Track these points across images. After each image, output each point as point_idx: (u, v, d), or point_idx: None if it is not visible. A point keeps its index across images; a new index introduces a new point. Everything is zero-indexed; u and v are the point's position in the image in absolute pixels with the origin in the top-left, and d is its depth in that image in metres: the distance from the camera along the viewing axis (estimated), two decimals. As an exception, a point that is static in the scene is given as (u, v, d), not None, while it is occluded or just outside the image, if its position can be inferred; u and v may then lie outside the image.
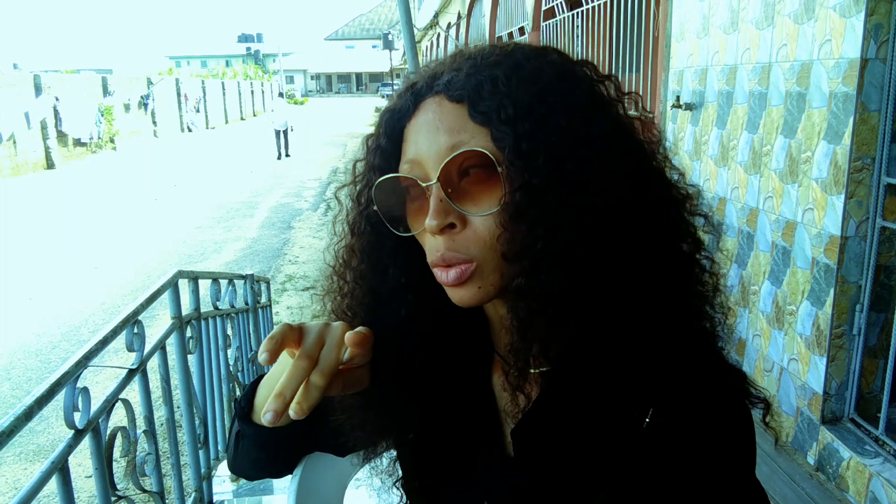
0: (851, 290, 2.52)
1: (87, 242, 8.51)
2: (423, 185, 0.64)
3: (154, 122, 22.83)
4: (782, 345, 2.86)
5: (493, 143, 0.60)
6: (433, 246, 0.65)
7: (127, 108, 20.65)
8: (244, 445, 0.86)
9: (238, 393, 2.96)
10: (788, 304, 2.81)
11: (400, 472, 0.87)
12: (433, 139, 0.63)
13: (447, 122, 0.63)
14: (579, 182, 0.59)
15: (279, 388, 0.59)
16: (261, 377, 0.84)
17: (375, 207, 0.69)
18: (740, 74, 3.15)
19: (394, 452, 0.88)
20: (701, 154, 3.59)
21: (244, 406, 0.82)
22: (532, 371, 0.67)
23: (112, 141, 18.86)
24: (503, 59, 0.63)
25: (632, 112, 0.70)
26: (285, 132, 16.38)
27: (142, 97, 21.88)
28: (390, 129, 0.68)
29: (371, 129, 0.73)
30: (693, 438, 0.65)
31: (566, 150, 0.59)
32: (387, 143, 0.69)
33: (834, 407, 2.62)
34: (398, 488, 0.89)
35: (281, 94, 19.97)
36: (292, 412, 0.58)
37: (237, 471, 0.93)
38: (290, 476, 1.01)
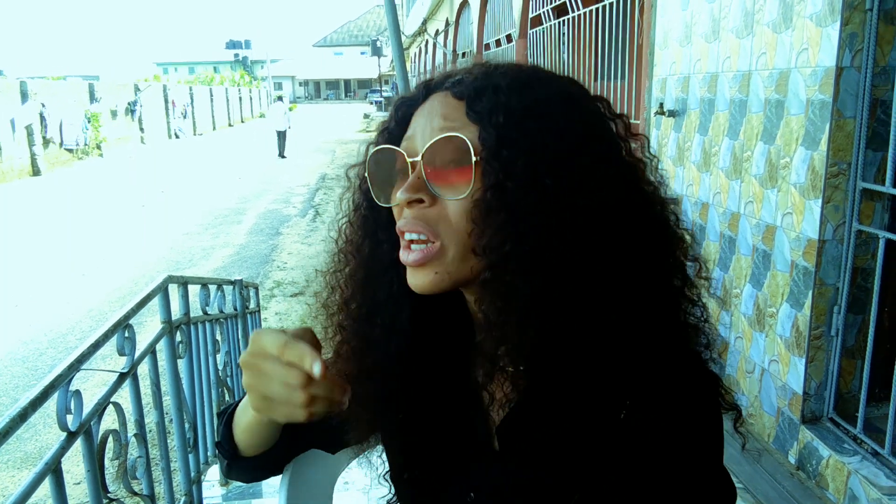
0: (829, 293, 2.58)
1: (74, 249, 8.48)
2: (409, 159, 0.68)
3: (141, 129, 22.75)
4: (763, 346, 2.91)
5: (479, 140, 0.65)
6: (401, 216, 0.69)
7: (114, 114, 20.57)
8: (237, 473, 0.93)
9: (227, 398, 2.98)
10: (769, 307, 2.87)
11: (387, 466, 0.91)
12: (428, 122, 0.68)
13: (445, 110, 0.68)
14: (555, 197, 0.63)
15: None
16: (232, 412, 0.88)
17: (367, 174, 0.74)
18: (721, 82, 3.22)
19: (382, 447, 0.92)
20: (684, 160, 3.65)
21: (228, 449, 0.88)
22: (510, 369, 0.71)
23: (99, 147, 18.77)
24: (515, 75, 0.68)
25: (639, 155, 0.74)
26: (284, 133, 17.70)
27: (129, 104, 21.80)
28: (400, 114, 0.74)
29: (362, 136, 0.78)
30: (665, 431, 0.69)
31: (547, 166, 0.63)
32: (394, 127, 0.75)
33: (813, 407, 2.67)
34: (387, 480, 0.92)
35: (280, 99, 20.70)
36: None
37: (232, 478, 0.98)
38: (280, 476, 1.04)
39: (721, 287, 3.28)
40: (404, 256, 0.69)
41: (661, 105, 3.85)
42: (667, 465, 0.69)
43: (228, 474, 0.95)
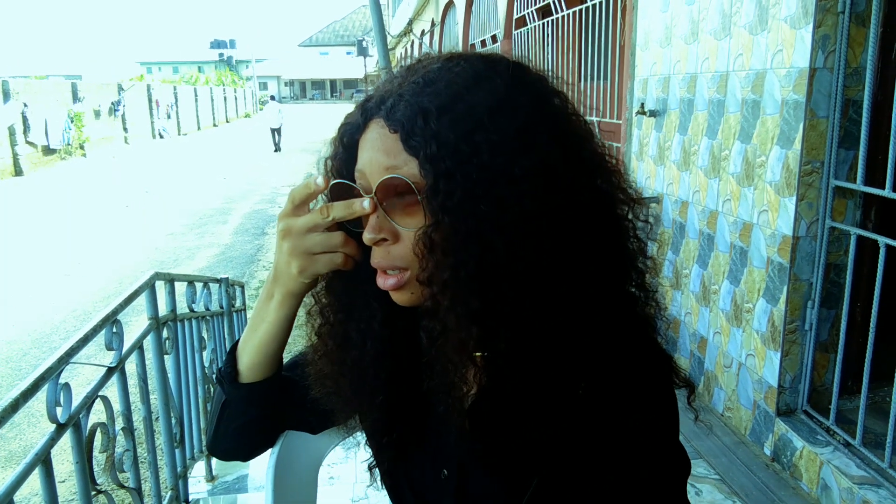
0: (803, 288, 2.65)
1: (57, 249, 8.43)
2: (365, 196, 0.71)
3: (125, 129, 22.60)
4: (740, 341, 2.98)
5: (420, 174, 0.66)
6: (373, 253, 0.72)
7: (97, 114, 20.42)
8: (231, 413, 0.91)
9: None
10: (746, 302, 2.93)
11: (368, 447, 0.95)
12: (374, 157, 0.70)
13: (385, 145, 0.68)
14: (490, 220, 0.64)
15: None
16: (236, 344, 0.90)
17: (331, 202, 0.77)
18: (700, 83, 3.28)
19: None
20: (665, 159, 3.72)
21: (231, 371, 0.89)
22: (478, 355, 0.75)
23: (82, 147, 18.63)
24: (443, 89, 0.67)
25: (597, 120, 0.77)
26: (279, 130, 19.53)
27: (112, 103, 21.65)
28: (346, 139, 0.76)
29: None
30: (620, 408, 0.73)
31: (483, 188, 0.64)
32: (343, 152, 0.77)
33: (788, 399, 2.74)
34: (367, 448, 0.96)
35: (273, 98, 22.28)
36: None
37: (219, 448, 0.97)
38: (266, 468, 1.07)
39: (700, 284, 3.35)
40: (381, 282, 0.73)
41: (643, 105, 3.91)
42: (623, 440, 0.73)
43: (216, 439, 0.95)
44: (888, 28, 2.44)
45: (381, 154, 0.69)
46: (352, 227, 0.76)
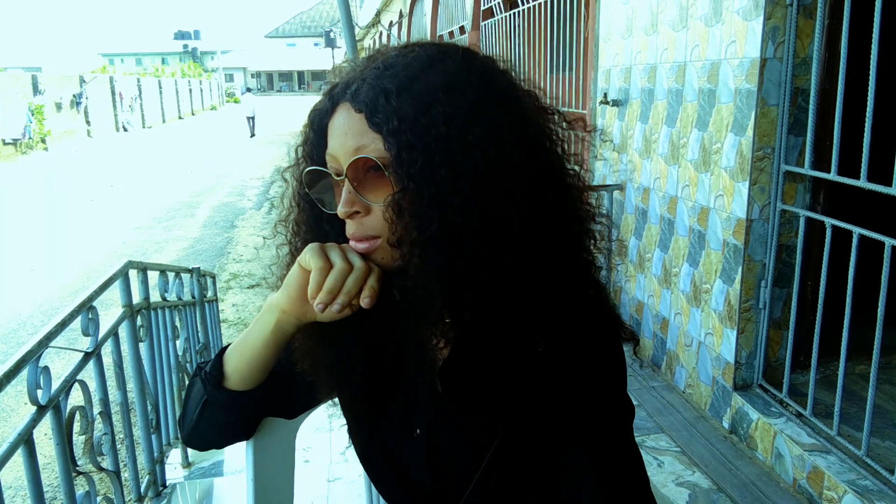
0: (757, 268, 2.78)
1: (21, 244, 8.30)
2: (337, 178, 0.78)
3: (88, 122, 22.18)
4: (700, 321, 3.11)
5: (385, 149, 0.73)
6: (347, 225, 0.79)
7: (59, 107, 20.00)
8: (211, 413, 0.95)
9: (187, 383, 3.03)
10: (704, 283, 3.06)
11: (342, 412, 1.01)
12: (343, 140, 0.76)
13: (353, 127, 0.76)
14: (449, 184, 0.72)
15: (347, 288, 0.78)
16: (225, 348, 0.95)
17: (307, 190, 0.83)
18: (660, 73, 3.39)
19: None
20: (627, 147, 3.83)
21: (216, 375, 0.93)
22: (447, 321, 0.83)
23: (43, 141, 18.25)
24: (401, 71, 0.74)
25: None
26: (253, 118, 22.82)
27: (74, 96, 21.22)
28: (316, 124, 0.82)
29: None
30: (574, 362, 0.82)
31: (441, 156, 0.72)
32: (314, 137, 0.83)
33: (744, 375, 2.88)
34: (342, 415, 1.02)
35: (249, 90, 27.23)
36: (367, 300, 0.78)
37: (196, 441, 1.01)
38: (243, 453, 1.12)
39: (662, 267, 3.47)
40: (355, 248, 0.80)
41: (606, 95, 4.02)
42: (577, 391, 0.82)
43: (194, 432, 0.98)
44: (834, 19, 2.56)
45: (349, 137, 0.76)
46: (325, 209, 0.83)
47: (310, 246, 0.80)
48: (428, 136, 0.72)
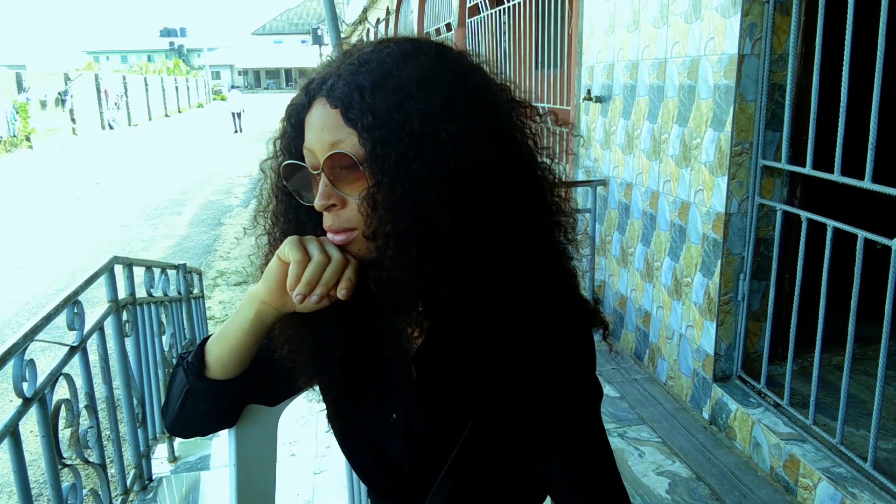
0: (736, 261, 2.83)
1: (7, 243, 8.25)
2: (314, 172, 0.80)
3: (73, 120, 22.01)
4: (680, 313, 3.16)
5: (360, 144, 0.75)
6: (324, 218, 0.81)
7: (43, 104, 19.84)
8: (194, 402, 0.97)
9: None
10: (685, 277, 3.11)
11: (323, 399, 1.04)
12: (319, 135, 0.78)
13: (329, 122, 0.77)
14: (423, 178, 0.74)
15: (324, 279, 0.80)
16: (207, 339, 0.97)
17: (285, 182, 0.85)
18: (641, 69, 3.44)
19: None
20: (610, 143, 3.87)
21: (198, 364, 0.95)
22: (421, 309, 0.86)
23: (28, 139, 18.10)
24: (376, 68, 0.77)
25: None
26: (239, 114, 23.22)
27: (59, 94, 21.05)
28: (293, 118, 0.84)
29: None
30: (545, 347, 0.85)
31: (415, 151, 0.74)
32: (291, 131, 0.85)
33: (724, 366, 2.93)
34: (324, 405, 1.05)
35: (236, 87, 28.16)
36: (343, 292, 0.80)
37: (179, 429, 1.03)
38: (227, 447, 1.14)
39: (644, 261, 3.52)
40: (332, 240, 0.82)
41: (589, 91, 4.06)
42: (547, 374, 0.85)
43: (177, 420, 1.00)
44: (810, 16, 2.61)
45: (325, 132, 0.78)
46: (302, 201, 0.85)
47: (289, 239, 0.82)
48: (402, 131, 0.74)
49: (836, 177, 2.31)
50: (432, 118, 0.75)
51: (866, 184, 2.17)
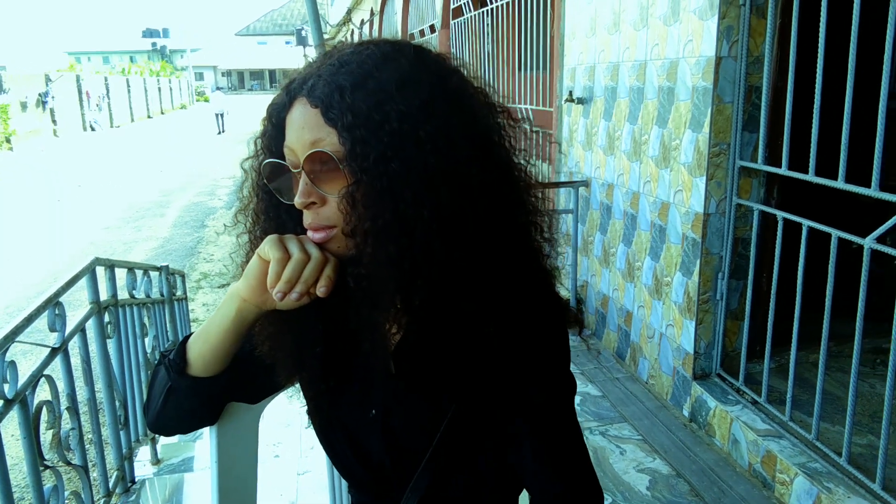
0: (714, 261, 2.87)
1: (-14, 245, 8.16)
2: (294, 171, 0.82)
3: (54, 121, 21.79)
4: (661, 313, 3.20)
5: (340, 143, 0.77)
6: (304, 215, 0.83)
7: (24, 106, 19.63)
8: (176, 399, 0.98)
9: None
10: (665, 276, 3.15)
11: (303, 395, 1.06)
12: (299, 134, 0.80)
13: (309, 121, 0.79)
14: (401, 177, 0.76)
15: (304, 277, 0.81)
16: (188, 337, 0.98)
17: (265, 181, 0.87)
18: (622, 71, 3.48)
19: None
20: (592, 144, 3.91)
21: (179, 362, 0.95)
22: (399, 306, 0.87)
23: (8, 141, 17.90)
24: (356, 69, 0.78)
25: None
26: (222, 115, 23.64)
27: (40, 95, 20.83)
28: (274, 118, 0.86)
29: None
30: (522, 343, 0.87)
31: (394, 150, 0.76)
32: (272, 130, 0.86)
33: (703, 364, 2.97)
34: (304, 401, 1.07)
35: (220, 88, 28.46)
36: (322, 289, 0.81)
37: (161, 427, 1.04)
38: (209, 450, 1.15)
39: (626, 261, 3.55)
40: (312, 237, 0.83)
41: (571, 93, 4.09)
42: (524, 369, 0.87)
43: (159, 418, 1.00)
44: (785, 19, 2.65)
45: (305, 131, 0.79)
46: (283, 199, 0.87)
47: (269, 237, 0.83)
48: (381, 131, 0.75)
49: (810, 177, 2.36)
50: (411, 118, 0.76)
51: (839, 184, 2.22)
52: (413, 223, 0.77)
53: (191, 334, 0.98)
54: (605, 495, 0.95)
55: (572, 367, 0.94)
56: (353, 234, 0.79)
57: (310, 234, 0.83)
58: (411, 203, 0.77)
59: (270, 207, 0.91)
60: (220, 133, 23.19)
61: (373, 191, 0.77)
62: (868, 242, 2.11)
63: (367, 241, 0.78)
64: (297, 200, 0.81)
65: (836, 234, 2.25)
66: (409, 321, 0.89)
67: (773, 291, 2.62)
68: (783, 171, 2.51)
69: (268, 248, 0.82)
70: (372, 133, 0.76)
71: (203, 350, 0.95)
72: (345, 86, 0.77)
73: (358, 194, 0.77)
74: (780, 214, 2.53)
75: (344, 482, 1.36)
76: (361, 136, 0.76)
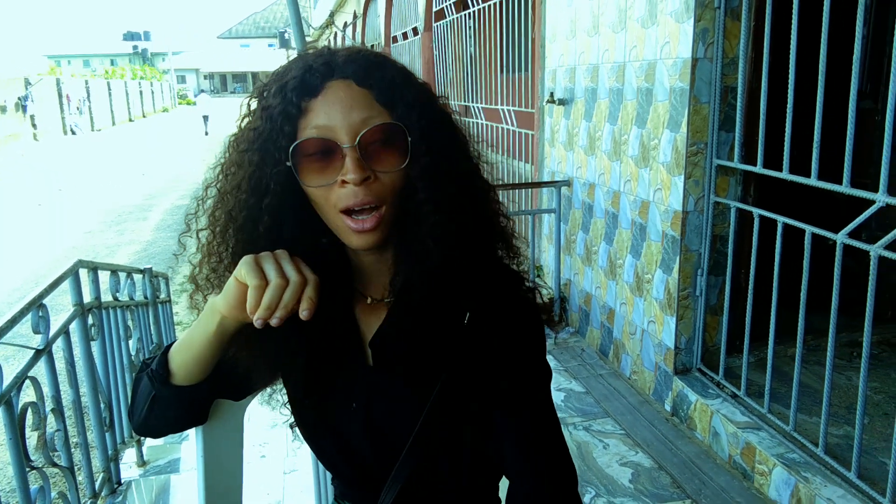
0: (693, 258, 2.92)
1: (-34, 251, 8.07)
2: (343, 146, 0.80)
3: (34, 125, 21.55)
4: (642, 309, 3.25)
5: (397, 121, 0.83)
6: (349, 193, 0.81)
7: (3, 110, 19.42)
8: (161, 408, 0.99)
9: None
10: (646, 273, 3.20)
11: (286, 393, 1.08)
12: (347, 113, 0.81)
13: (359, 101, 0.82)
14: (444, 154, 0.86)
15: (284, 302, 0.79)
16: (169, 346, 0.98)
17: (289, 163, 0.83)
18: (602, 72, 3.52)
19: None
20: (573, 145, 3.96)
21: (162, 372, 0.96)
22: (377, 299, 0.92)
23: (-13, 145, 17.69)
24: (390, 65, 0.87)
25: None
26: (207, 117, 24.81)
27: (19, 98, 20.61)
28: (298, 101, 0.83)
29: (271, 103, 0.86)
30: (497, 333, 0.90)
31: (435, 143, 0.85)
32: (296, 111, 0.82)
33: (684, 359, 3.02)
34: (287, 406, 1.09)
35: (203, 91, 30.55)
36: (305, 312, 0.79)
37: (147, 432, 1.05)
38: (195, 450, 1.16)
39: (607, 259, 3.60)
40: (358, 226, 0.83)
41: (552, 94, 4.14)
42: (500, 359, 0.90)
43: (145, 423, 1.01)
44: (759, 21, 2.71)
45: (355, 111, 0.81)
46: (308, 185, 0.84)
47: (244, 260, 0.81)
48: (423, 119, 0.84)
49: (784, 175, 2.41)
50: (438, 121, 0.88)
51: (812, 181, 2.27)
52: (470, 194, 0.88)
53: (172, 343, 0.98)
54: (588, 488, 0.98)
55: (557, 366, 1.00)
56: (420, 206, 0.84)
57: (352, 223, 0.83)
58: (465, 174, 0.88)
59: (281, 203, 0.87)
60: (206, 134, 24.00)
61: (427, 168, 0.84)
62: (840, 238, 2.17)
63: (431, 210, 0.84)
64: (353, 177, 0.80)
65: (810, 230, 2.31)
66: (388, 312, 0.93)
67: (750, 287, 2.67)
68: (758, 169, 2.56)
69: (244, 272, 0.80)
70: (418, 121, 0.83)
71: (185, 360, 0.95)
72: (394, 76, 0.85)
73: (423, 170, 0.84)
74: (757, 212, 2.59)
75: (327, 475, 1.38)
76: (414, 122, 0.83)
